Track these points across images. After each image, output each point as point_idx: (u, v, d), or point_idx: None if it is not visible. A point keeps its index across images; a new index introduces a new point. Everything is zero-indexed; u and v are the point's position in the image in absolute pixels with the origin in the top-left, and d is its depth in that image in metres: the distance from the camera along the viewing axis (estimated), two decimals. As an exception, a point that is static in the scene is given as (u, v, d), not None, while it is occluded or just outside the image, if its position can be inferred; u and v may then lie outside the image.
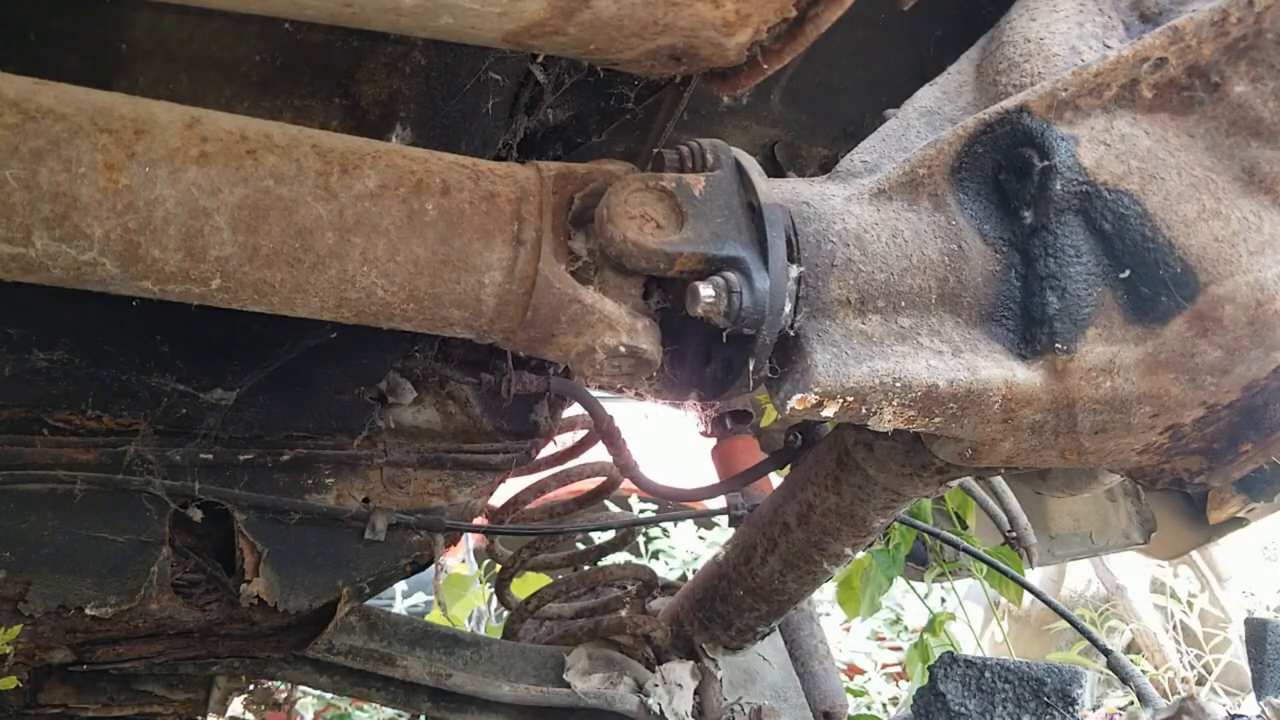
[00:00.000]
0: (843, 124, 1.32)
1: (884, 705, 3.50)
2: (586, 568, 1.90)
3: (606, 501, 2.14)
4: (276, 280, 0.79)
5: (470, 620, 2.74)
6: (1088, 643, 1.54)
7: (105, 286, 0.80)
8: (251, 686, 1.61)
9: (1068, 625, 1.60)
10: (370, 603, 1.59)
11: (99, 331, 1.10)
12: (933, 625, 2.12)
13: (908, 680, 2.48)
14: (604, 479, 1.85)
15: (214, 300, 0.81)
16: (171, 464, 1.19)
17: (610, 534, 1.99)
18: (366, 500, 1.30)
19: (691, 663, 1.50)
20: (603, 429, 1.56)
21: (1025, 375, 0.83)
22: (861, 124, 0.95)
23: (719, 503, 2.02)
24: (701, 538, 4.15)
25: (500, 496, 1.84)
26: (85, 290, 0.81)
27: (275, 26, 0.94)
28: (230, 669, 1.45)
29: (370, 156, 0.81)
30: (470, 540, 2.98)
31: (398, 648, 1.43)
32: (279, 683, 1.78)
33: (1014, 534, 1.72)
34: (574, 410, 1.61)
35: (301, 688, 2.18)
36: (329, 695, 2.34)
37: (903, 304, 0.83)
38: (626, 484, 1.76)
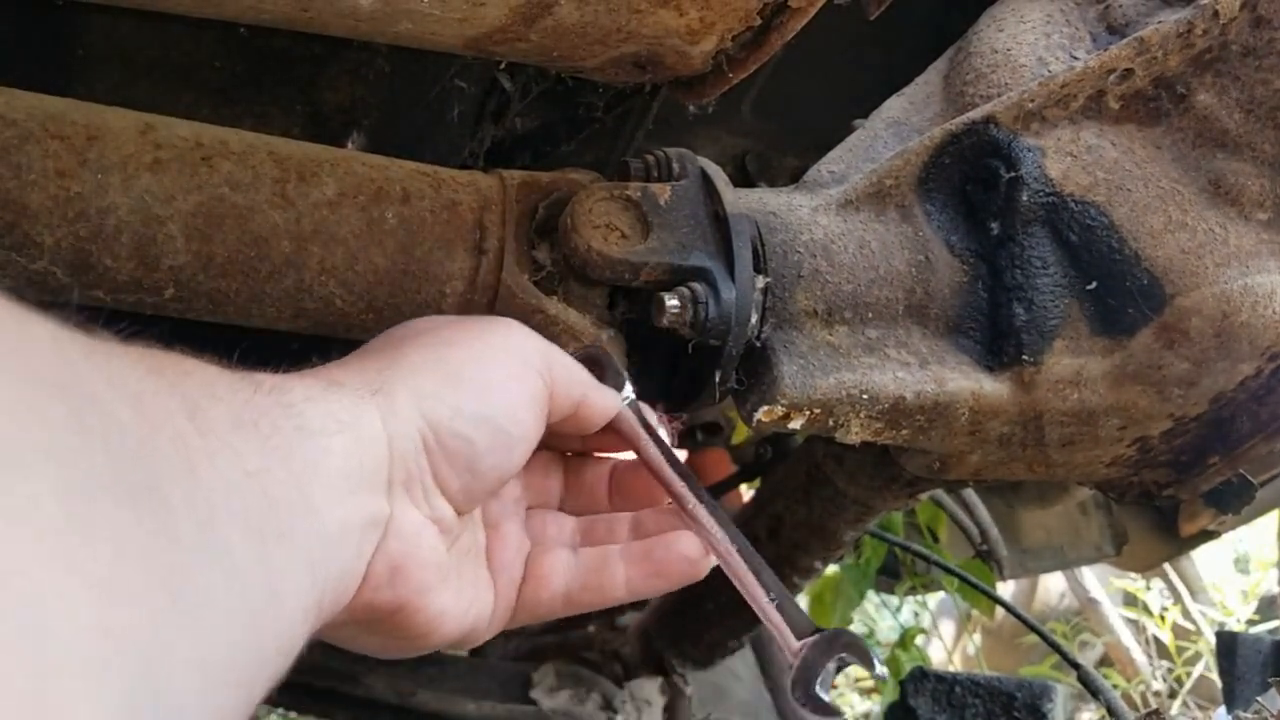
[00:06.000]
0: (814, 134, 1.32)
1: (857, 720, 3.50)
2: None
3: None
4: (231, 290, 0.77)
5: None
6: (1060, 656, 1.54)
7: (56, 296, 0.78)
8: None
9: (1040, 639, 1.60)
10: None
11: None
12: (904, 640, 2.12)
13: (880, 695, 2.48)
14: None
15: (167, 310, 0.79)
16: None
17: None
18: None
19: (660, 679, 1.48)
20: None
21: (992, 387, 0.83)
22: (832, 134, 0.94)
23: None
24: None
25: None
26: (36, 301, 0.79)
27: (234, 32, 0.92)
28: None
29: (329, 164, 0.79)
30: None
31: (360, 665, 1.41)
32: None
33: (985, 547, 1.72)
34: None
35: (262, 706, 2.15)
36: (291, 714, 2.31)
37: (870, 315, 0.82)
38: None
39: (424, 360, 0.61)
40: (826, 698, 0.61)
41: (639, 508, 0.72)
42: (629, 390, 0.74)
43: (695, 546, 0.67)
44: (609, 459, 0.75)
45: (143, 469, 0.34)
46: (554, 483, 0.74)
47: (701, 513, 0.69)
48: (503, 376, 0.61)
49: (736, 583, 0.67)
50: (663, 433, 0.73)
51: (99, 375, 0.36)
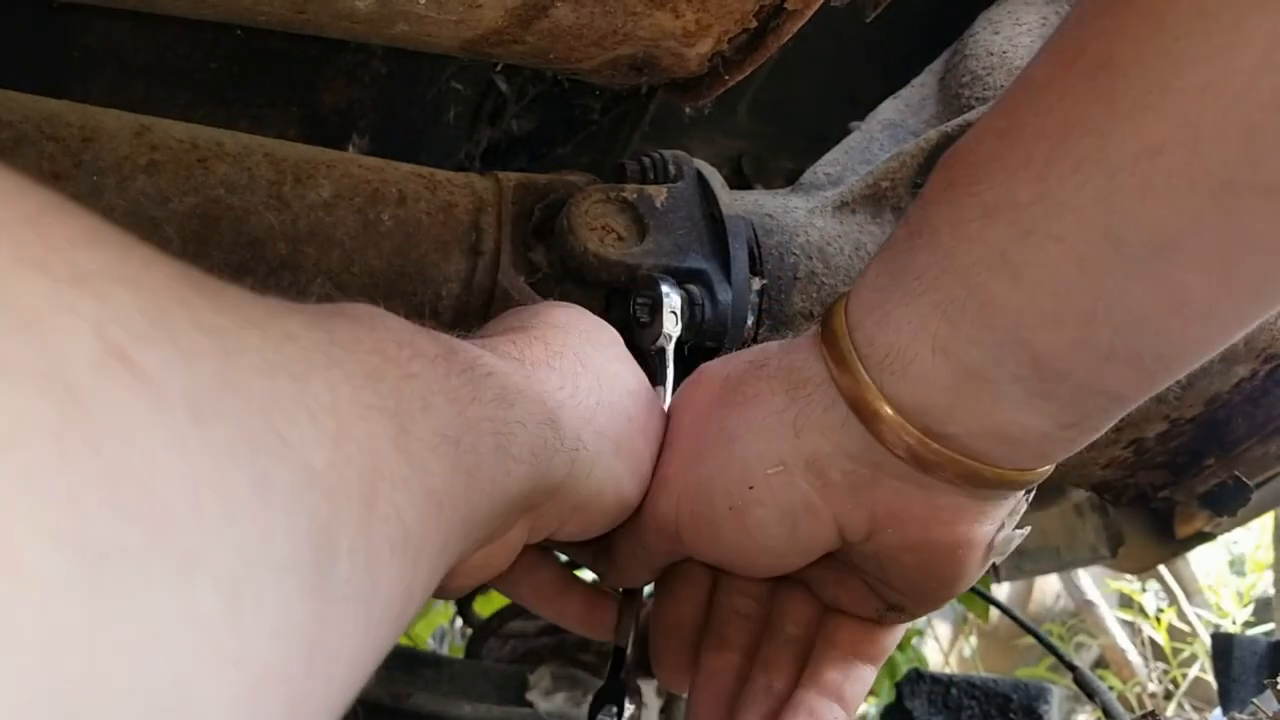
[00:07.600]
0: (810, 137, 1.32)
1: (854, 721, 3.49)
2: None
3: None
4: (227, 291, 0.77)
5: (434, 638, 2.71)
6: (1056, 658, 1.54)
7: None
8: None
9: (1036, 641, 1.59)
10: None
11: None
12: (901, 641, 2.11)
13: (876, 697, 2.48)
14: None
15: (163, 312, 0.79)
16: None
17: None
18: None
19: (656, 680, 1.48)
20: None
21: (988, 389, 0.82)
22: (828, 137, 0.94)
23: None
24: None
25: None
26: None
27: (230, 34, 0.92)
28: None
29: (325, 166, 0.79)
30: (437, 556, 2.95)
31: (356, 667, 1.40)
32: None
33: (981, 549, 1.71)
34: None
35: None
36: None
37: (866, 317, 0.82)
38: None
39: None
40: None
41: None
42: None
43: None
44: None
45: (326, 528, 0.33)
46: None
47: None
48: None
49: None
50: None
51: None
